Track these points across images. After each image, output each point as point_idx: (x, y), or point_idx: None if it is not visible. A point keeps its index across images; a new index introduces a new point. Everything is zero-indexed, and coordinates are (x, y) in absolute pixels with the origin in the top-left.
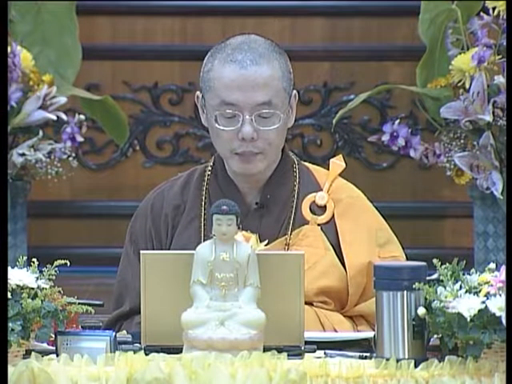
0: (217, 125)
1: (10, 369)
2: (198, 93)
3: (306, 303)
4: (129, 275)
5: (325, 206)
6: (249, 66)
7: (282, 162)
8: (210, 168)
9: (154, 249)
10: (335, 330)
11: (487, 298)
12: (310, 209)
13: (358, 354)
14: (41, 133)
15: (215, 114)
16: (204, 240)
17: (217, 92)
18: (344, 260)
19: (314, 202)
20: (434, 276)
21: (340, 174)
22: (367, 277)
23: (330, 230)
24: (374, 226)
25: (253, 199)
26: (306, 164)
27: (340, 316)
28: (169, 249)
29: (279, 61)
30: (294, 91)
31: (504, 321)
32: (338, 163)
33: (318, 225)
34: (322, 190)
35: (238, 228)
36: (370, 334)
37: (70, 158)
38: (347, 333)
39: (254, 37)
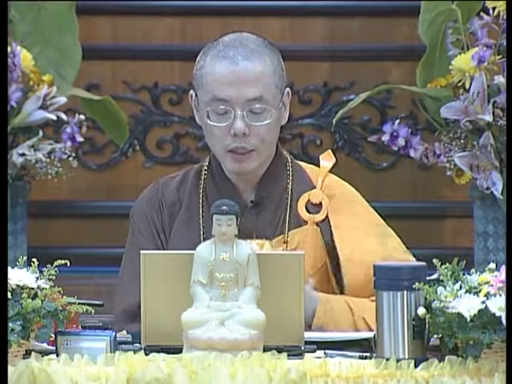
0: (209, 121)
1: (10, 369)
2: (191, 92)
3: None
4: (131, 272)
5: (320, 204)
6: (240, 62)
7: (275, 159)
8: (205, 167)
9: (152, 246)
10: (364, 319)
11: (487, 298)
12: (306, 208)
13: (358, 354)
14: (41, 133)
15: (207, 109)
16: (202, 238)
17: (209, 88)
18: (345, 254)
19: (308, 200)
20: (434, 276)
21: (333, 171)
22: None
23: (327, 227)
24: (372, 221)
25: (249, 197)
26: (300, 162)
27: (368, 302)
28: (166, 245)
29: (271, 57)
30: (287, 88)
31: (504, 321)
32: (327, 159)
33: (316, 223)
34: (315, 187)
35: (238, 229)
36: (369, 334)
37: (70, 158)
38: (347, 333)
39: (246, 34)
